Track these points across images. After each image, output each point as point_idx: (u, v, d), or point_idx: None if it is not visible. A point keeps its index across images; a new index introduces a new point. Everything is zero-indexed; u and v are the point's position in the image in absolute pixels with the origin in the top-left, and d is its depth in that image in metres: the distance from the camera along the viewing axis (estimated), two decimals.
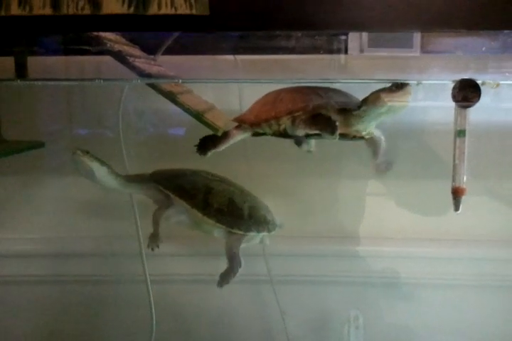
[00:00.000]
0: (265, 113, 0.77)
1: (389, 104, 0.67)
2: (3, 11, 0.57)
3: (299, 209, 1.05)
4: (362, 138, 0.76)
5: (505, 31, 0.61)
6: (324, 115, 0.72)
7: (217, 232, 0.85)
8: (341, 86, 0.79)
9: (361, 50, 0.89)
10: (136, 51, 0.82)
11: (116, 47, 0.73)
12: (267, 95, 0.80)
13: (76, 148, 0.76)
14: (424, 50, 0.86)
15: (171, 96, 0.73)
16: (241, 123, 0.81)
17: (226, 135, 0.81)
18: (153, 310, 1.00)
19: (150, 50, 0.86)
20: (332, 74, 0.94)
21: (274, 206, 0.91)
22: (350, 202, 1.06)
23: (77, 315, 1.09)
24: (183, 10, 0.57)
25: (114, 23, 0.58)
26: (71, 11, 0.57)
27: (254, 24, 0.58)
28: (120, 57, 0.71)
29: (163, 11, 0.57)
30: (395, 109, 0.69)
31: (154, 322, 1.00)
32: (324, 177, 1.04)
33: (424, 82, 0.67)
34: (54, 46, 0.82)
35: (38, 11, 0.57)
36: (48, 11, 0.57)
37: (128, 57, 0.72)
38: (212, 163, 0.86)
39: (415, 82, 0.70)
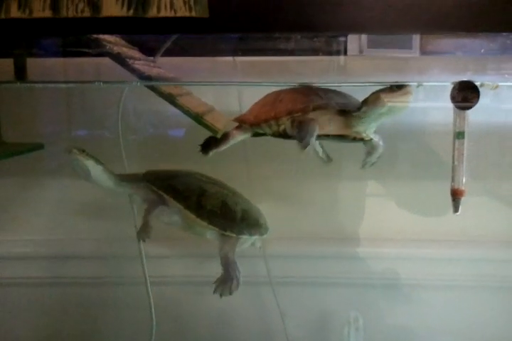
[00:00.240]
0: (265, 113, 0.77)
1: (389, 104, 0.67)
2: (3, 14, 0.57)
3: (299, 210, 1.05)
4: (362, 139, 0.76)
5: (504, 33, 0.62)
6: (308, 127, 0.71)
7: (210, 234, 0.84)
8: (341, 87, 0.79)
9: (360, 51, 0.89)
10: (135, 53, 0.82)
11: (116, 49, 0.73)
12: (267, 96, 0.80)
13: (72, 146, 0.76)
14: (423, 51, 0.86)
15: (171, 98, 0.73)
16: (241, 123, 0.82)
17: (226, 135, 0.82)
18: (153, 311, 1.00)
19: (149, 51, 0.86)
20: (331, 76, 0.94)
21: (273, 207, 0.91)
22: (350, 204, 1.07)
23: (77, 317, 1.09)
24: (182, 12, 0.57)
25: (113, 25, 0.57)
26: (71, 14, 0.57)
27: (253, 26, 0.58)
28: (119, 59, 0.71)
29: (163, 13, 0.57)
30: (396, 110, 0.68)
31: (154, 324, 1.00)
32: (324, 179, 1.04)
33: (424, 83, 0.67)
34: (53, 48, 0.82)
35: (37, 13, 0.57)
36: (47, 13, 0.57)
37: (127, 60, 0.72)
38: (212, 165, 0.87)
39: (416, 83, 0.70)
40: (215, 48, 0.90)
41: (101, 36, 0.71)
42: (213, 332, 1.10)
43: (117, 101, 0.93)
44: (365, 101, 0.70)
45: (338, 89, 0.78)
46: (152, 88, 0.73)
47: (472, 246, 1.04)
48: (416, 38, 0.86)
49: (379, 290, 1.06)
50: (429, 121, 1.02)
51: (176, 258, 1.05)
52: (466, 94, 0.66)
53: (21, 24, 0.58)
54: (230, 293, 0.78)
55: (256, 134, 0.82)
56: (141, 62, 0.77)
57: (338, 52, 0.90)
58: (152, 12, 0.57)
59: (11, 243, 1.07)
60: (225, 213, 0.82)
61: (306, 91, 0.77)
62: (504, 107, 1.00)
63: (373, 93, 0.69)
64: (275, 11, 0.57)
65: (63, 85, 0.96)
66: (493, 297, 1.05)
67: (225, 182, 0.89)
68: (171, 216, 0.82)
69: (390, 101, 0.67)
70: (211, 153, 0.83)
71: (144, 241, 0.82)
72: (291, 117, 0.74)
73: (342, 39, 0.89)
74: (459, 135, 0.67)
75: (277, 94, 0.79)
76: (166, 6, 0.57)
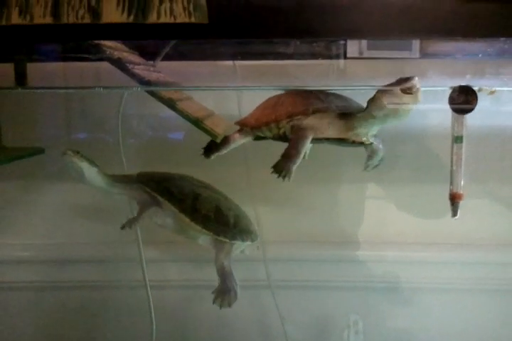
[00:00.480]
0: (266, 116, 0.77)
1: (389, 105, 0.67)
2: (4, 20, 0.57)
3: (298, 213, 1.05)
4: (361, 143, 0.76)
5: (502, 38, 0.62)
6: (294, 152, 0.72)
7: (203, 239, 0.84)
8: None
9: (360, 53, 0.89)
10: (135, 57, 0.82)
11: (116, 54, 0.73)
12: (269, 99, 0.81)
13: (67, 148, 0.76)
14: (423, 52, 0.86)
15: (171, 103, 0.73)
16: (242, 126, 0.82)
17: (228, 138, 0.82)
18: (153, 315, 1.00)
19: (149, 55, 0.86)
20: (331, 79, 0.95)
21: (273, 210, 0.91)
22: (350, 207, 1.07)
23: (76, 321, 1.09)
24: (182, 18, 0.57)
25: (113, 31, 0.58)
26: (71, 20, 0.57)
27: (252, 32, 0.59)
28: (120, 64, 0.71)
29: (163, 19, 0.57)
30: (400, 111, 0.68)
31: (154, 328, 1.00)
32: (324, 182, 1.05)
33: (422, 88, 0.67)
34: (53, 54, 0.82)
35: (38, 20, 0.57)
36: (48, 20, 0.57)
37: (127, 65, 0.72)
38: (212, 168, 0.87)
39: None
40: (214, 52, 0.90)
41: (101, 41, 0.71)
42: (213, 335, 1.10)
43: (117, 105, 0.93)
44: (370, 101, 0.70)
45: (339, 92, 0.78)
46: (152, 93, 0.74)
47: (473, 250, 1.04)
48: (416, 40, 0.87)
49: (379, 294, 1.06)
50: (430, 124, 1.02)
51: (176, 262, 1.06)
52: (464, 99, 0.67)
53: (22, 30, 0.58)
54: (229, 305, 0.79)
55: (257, 137, 0.83)
56: (141, 67, 0.78)
57: (338, 54, 0.90)
58: (152, 18, 0.57)
59: (10, 247, 1.07)
60: (218, 218, 0.82)
61: (307, 94, 0.77)
62: (504, 110, 1.00)
63: (377, 92, 0.68)
64: (274, 17, 0.57)
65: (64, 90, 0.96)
66: (492, 300, 1.05)
67: (219, 186, 0.88)
68: (164, 218, 0.82)
69: (392, 100, 0.66)
70: (213, 157, 0.83)
71: (123, 228, 0.80)
72: (291, 120, 0.74)
73: (342, 41, 0.89)
74: (457, 139, 0.68)
75: (278, 97, 0.79)
76: (165, 12, 0.57)
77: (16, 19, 0.57)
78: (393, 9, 0.57)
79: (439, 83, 0.79)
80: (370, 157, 0.80)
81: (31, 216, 1.08)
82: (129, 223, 0.80)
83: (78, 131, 1.07)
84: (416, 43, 0.87)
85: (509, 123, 1.01)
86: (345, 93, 0.78)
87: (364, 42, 0.89)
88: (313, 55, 0.88)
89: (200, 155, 0.84)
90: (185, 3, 0.57)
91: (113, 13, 0.57)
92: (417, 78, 0.66)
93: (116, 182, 0.83)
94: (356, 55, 0.88)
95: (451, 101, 0.67)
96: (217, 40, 0.73)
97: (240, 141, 0.83)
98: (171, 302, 1.07)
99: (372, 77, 0.92)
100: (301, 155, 0.72)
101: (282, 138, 0.78)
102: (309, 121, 0.73)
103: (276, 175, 0.71)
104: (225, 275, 0.80)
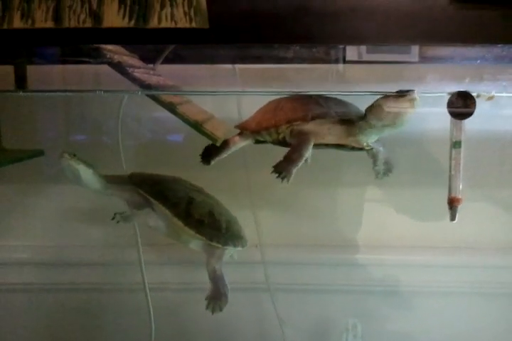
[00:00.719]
0: (266, 121, 0.78)
1: (390, 112, 0.67)
2: (6, 24, 0.57)
3: (298, 217, 1.06)
4: (361, 149, 0.77)
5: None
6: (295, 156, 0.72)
7: (194, 244, 0.84)
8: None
9: (359, 57, 0.90)
10: (135, 61, 0.83)
11: (116, 58, 0.73)
12: (269, 103, 0.81)
13: (63, 151, 0.77)
14: (422, 56, 0.86)
15: (171, 107, 0.74)
16: (242, 130, 0.82)
17: (228, 142, 0.82)
18: (152, 318, 1.00)
19: (149, 58, 0.86)
20: (331, 83, 0.95)
21: (273, 214, 0.91)
22: (350, 211, 1.07)
23: (76, 323, 1.09)
24: (183, 23, 0.57)
25: (114, 36, 0.58)
26: (72, 24, 0.57)
27: (252, 37, 0.59)
28: (120, 68, 0.72)
29: (163, 24, 0.57)
30: (399, 120, 0.68)
31: (153, 331, 1.00)
32: (323, 186, 1.05)
33: (421, 94, 0.67)
34: (54, 57, 0.82)
35: (40, 24, 0.57)
36: (49, 24, 0.57)
37: (128, 68, 0.72)
38: (212, 172, 0.87)
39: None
40: (214, 56, 0.90)
41: (101, 45, 0.72)
42: (212, 338, 1.10)
43: (117, 108, 0.93)
44: (369, 110, 0.70)
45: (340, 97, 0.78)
46: (153, 97, 0.74)
47: (472, 253, 1.05)
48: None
49: (378, 297, 1.06)
50: (429, 128, 1.02)
51: (175, 265, 1.06)
52: (462, 104, 0.67)
53: (24, 34, 0.58)
54: (221, 310, 0.80)
55: (258, 141, 0.83)
56: (141, 71, 0.78)
57: (337, 58, 0.90)
58: (153, 23, 0.57)
59: (10, 249, 1.07)
60: (211, 223, 0.82)
61: (307, 99, 0.77)
62: (503, 114, 1.00)
63: (376, 101, 0.69)
64: (274, 23, 0.58)
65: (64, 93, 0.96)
66: (492, 303, 1.05)
67: (218, 189, 0.89)
68: (157, 221, 0.82)
69: (392, 108, 0.67)
70: (213, 162, 0.83)
71: (112, 218, 0.82)
72: (291, 126, 0.75)
73: (341, 45, 0.89)
74: (456, 144, 0.68)
75: (278, 101, 0.79)
76: (166, 16, 0.57)
77: (17, 23, 0.57)
78: (392, 15, 0.58)
79: (438, 88, 0.79)
80: (374, 162, 0.80)
81: (31, 218, 1.08)
82: (124, 218, 0.81)
83: (77, 134, 1.07)
84: (415, 47, 0.87)
85: (508, 128, 1.01)
86: (345, 97, 0.79)
87: (363, 46, 0.89)
88: (313, 59, 0.88)
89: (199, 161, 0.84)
90: (186, 8, 0.57)
91: (114, 18, 0.57)
92: (416, 91, 0.66)
93: (109, 182, 0.83)
94: (355, 58, 0.88)
95: (450, 106, 0.68)
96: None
97: (240, 144, 0.83)
98: (170, 304, 1.07)
99: (372, 81, 0.92)
100: (303, 159, 0.72)
101: (282, 142, 0.78)
102: (309, 126, 0.74)
103: (275, 175, 0.71)
104: (216, 280, 0.81)
